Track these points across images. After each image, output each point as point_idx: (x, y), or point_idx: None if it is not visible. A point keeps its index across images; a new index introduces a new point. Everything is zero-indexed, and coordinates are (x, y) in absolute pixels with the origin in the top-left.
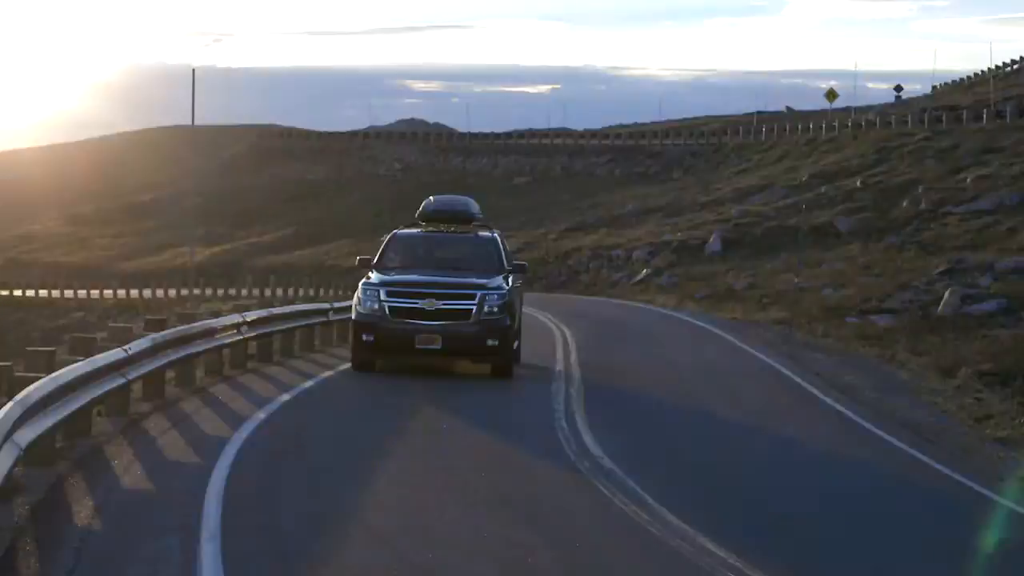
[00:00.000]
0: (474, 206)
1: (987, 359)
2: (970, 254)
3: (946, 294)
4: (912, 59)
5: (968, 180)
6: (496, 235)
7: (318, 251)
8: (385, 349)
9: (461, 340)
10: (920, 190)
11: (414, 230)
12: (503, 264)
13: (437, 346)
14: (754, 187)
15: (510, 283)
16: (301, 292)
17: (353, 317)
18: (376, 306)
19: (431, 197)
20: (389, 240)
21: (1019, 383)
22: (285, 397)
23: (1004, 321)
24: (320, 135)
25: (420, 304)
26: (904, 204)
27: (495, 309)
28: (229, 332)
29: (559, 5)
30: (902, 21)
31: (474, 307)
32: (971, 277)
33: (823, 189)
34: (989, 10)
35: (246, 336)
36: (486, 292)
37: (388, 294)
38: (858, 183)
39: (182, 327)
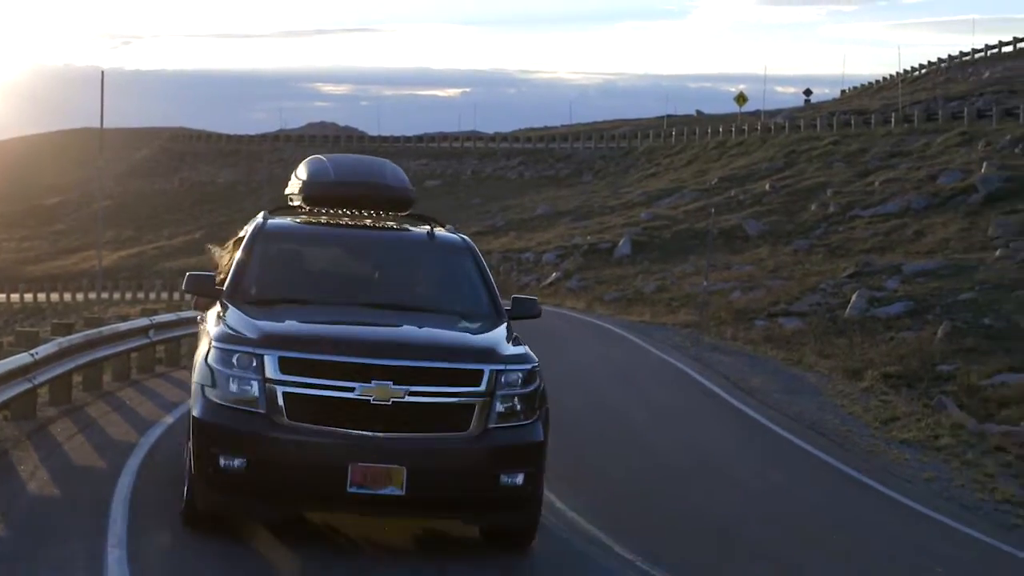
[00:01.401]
0: (405, 177)
1: (893, 361)
2: (877, 257)
3: (853, 297)
4: (821, 63)
5: (876, 183)
6: (468, 240)
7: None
8: (273, 491)
9: (446, 476)
10: (828, 193)
11: (299, 222)
12: (497, 300)
13: (396, 490)
14: (663, 190)
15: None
16: None
17: (196, 412)
18: (253, 390)
19: (322, 157)
20: (252, 242)
21: (925, 385)
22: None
23: (910, 323)
24: (230, 138)
25: (358, 392)
26: (812, 207)
27: (518, 406)
28: (137, 336)
29: (469, 8)
30: (811, 25)
31: (477, 401)
32: (878, 280)
33: (732, 192)
34: (897, 15)
35: (154, 340)
36: (501, 368)
37: (283, 365)
38: (767, 186)
39: (89, 331)
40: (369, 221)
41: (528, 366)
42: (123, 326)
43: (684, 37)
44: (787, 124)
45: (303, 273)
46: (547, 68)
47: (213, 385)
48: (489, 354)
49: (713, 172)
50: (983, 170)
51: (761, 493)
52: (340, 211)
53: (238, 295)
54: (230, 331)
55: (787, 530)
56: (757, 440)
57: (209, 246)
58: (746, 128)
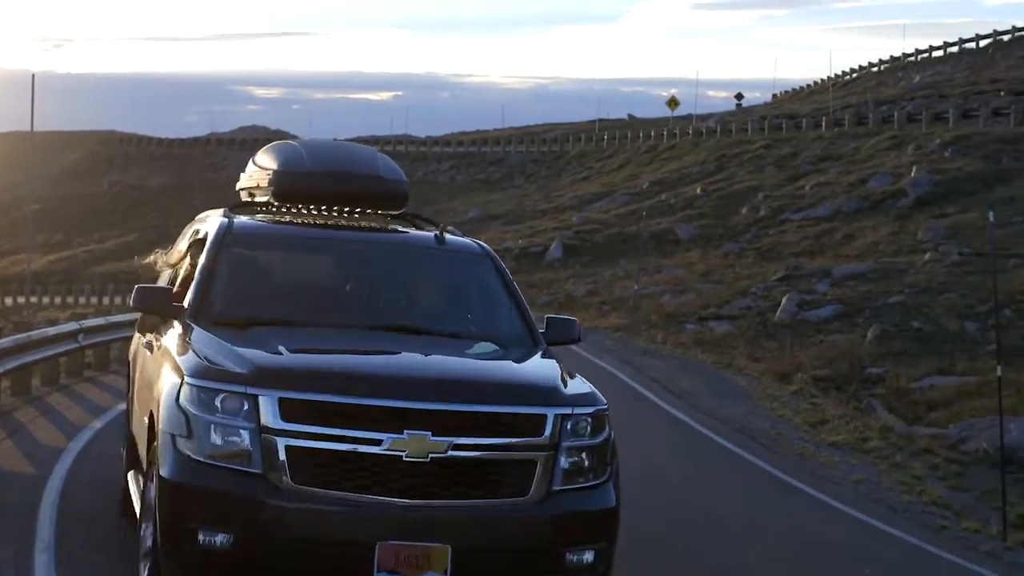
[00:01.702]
0: (398, 168)
1: (823, 364)
2: (807, 261)
3: (783, 300)
4: (753, 67)
5: (806, 187)
6: (486, 246)
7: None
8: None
9: (501, 556)
10: (759, 197)
11: (273, 222)
12: (531, 322)
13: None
14: (595, 194)
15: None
16: None
17: (166, 471)
18: (244, 443)
19: (293, 142)
20: (218, 247)
21: (854, 388)
22: (122, 406)
23: (840, 327)
24: (161, 142)
25: (386, 446)
26: (743, 211)
27: (586, 461)
28: (66, 340)
29: (401, 12)
30: (742, 30)
31: (539, 455)
32: (808, 283)
33: (663, 196)
34: (828, 19)
35: (83, 344)
36: (567, 411)
37: (286, 410)
38: (698, 190)
39: (18, 335)
40: (361, 221)
41: (597, 408)
42: (52, 330)
43: (617, 42)
44: (718, 128)
45: (286, 287)
46: (479, 72)
47: (189, 436)
48: (551, 393)
49: (644, 176)
50: (913, 174)
51: (692, 497)
52: (319, 209)
53: (204, 314)
54: (208, 363)
55: (718, 533)
56: (687, 444)
57: (157, 252)
58: (678, 132)
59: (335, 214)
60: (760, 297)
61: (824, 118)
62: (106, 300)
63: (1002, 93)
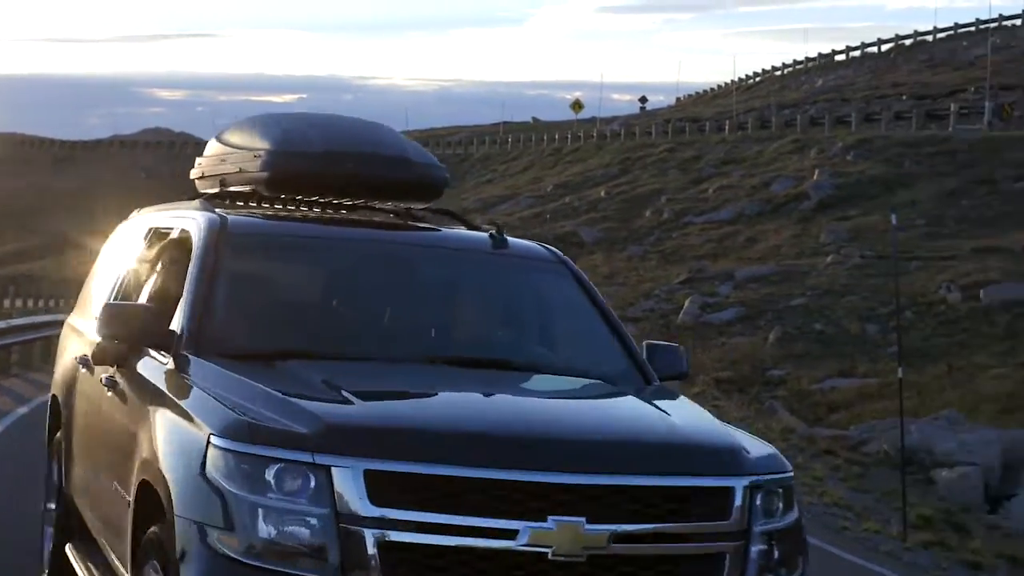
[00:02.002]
0: (424, 150)
1: (725, 366)
2: (710, 263)
3: (686, 303)
4: (657, 71)
5: (710, 190)
6: (558, 252)
7: (62, 261)
8: None
9: None
10: (663, 200)
11: (278, 221)
12: (637, 352)
13: None
14: (499, 197)
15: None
16: (41, 303)
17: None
18: (314, 536)
19: (292, 115)
20: (212, 253)
21: (756, 390)
22: (23, 410)
23: (742, 329)
24: (63, 144)
25: (525, 540)
26: (647, 214)
27: (777, 551)
28: None
29: (305, 14)
30: (647, 33)
31: (727, 547)
32: (711, 286)
33: (567, 199)
34: (732, 24)
35: None
36: (756, 482)
37: (375, 488)
38: (602, 193)
39: None
40: (383, 218)
41: (786, 475)
42: None
43: (521, 44)
44: (622, 131)
45: (310, 305)
46: (383, 74)
47: (227, 525)
48: (734, 457)
49: (549, 179)
50: (815, 177)
51: None
52: (324, 200)
53: (208, 343)
54: (248, 419)
55: None
56: None
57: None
58: (582, 135)
59: (344, 207)
60: (663, 299)
61: (727, 122)
62: (7, 303)
63: (904, 97)
